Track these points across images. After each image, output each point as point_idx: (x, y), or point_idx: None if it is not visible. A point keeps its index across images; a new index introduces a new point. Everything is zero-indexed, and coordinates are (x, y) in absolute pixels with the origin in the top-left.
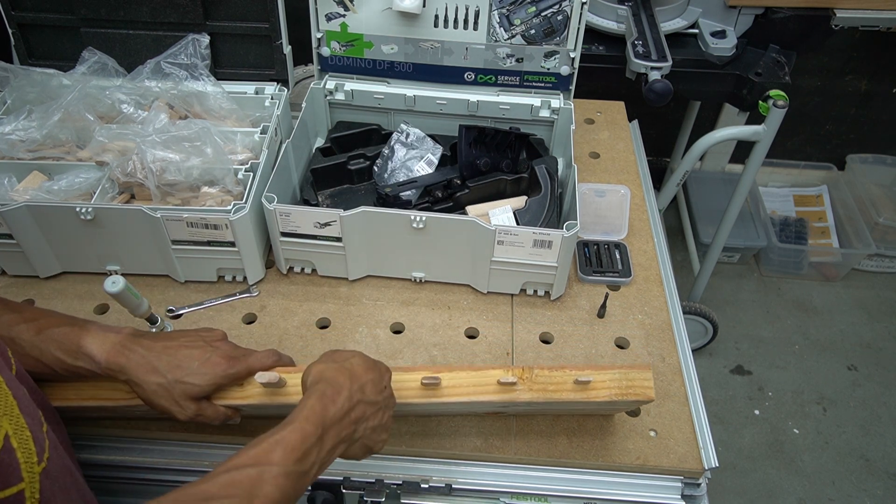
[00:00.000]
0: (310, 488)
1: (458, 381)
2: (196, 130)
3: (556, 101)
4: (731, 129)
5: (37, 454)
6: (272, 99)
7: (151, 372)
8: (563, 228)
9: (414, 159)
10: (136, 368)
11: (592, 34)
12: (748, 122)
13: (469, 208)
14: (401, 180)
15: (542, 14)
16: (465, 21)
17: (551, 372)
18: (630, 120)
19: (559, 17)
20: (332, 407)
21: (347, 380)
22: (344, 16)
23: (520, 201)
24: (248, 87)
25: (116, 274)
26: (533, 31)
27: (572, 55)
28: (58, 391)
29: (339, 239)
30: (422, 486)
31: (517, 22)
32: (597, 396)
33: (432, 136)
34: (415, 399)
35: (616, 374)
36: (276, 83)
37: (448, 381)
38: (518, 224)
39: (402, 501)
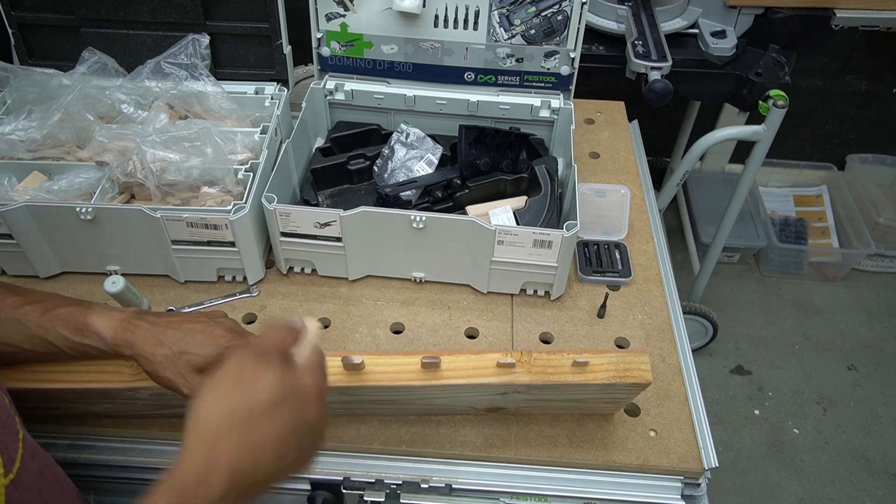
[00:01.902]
0: (310, 488)
1: (457, 364)
2: (196, 130)
3: (556, 101)
4: (731, 129)
5: (4, 465)
6: (272, 99)
7: (157, 345)
8: (563, 228)
9: (414, 159)
10: (142, 342)
11: (592, 34)
12: (748, 122)
13: (469, 208)
14: (401, 180)
15: (542, 14)
16: (465, 21)
17: (550, 355)
18: (630, 120)
19: (559, 17)
20: (206, 486)
21: (240, 435)
22: (344, 16)
23: (520, 201)
24: (248, 87)
25: (116, 274)
26: (533, 31)
27: (572, 55)
28: (62, 374)
29: (339, 239)
30: (422, 486)
31: (517, 22)
32: (595, 379)
33: (432, 136)
34: (414, 381)
35: (614, 358)
36: (276, 83)
37: (447, 364)
38: (518, 224)
39: (402, 501)
